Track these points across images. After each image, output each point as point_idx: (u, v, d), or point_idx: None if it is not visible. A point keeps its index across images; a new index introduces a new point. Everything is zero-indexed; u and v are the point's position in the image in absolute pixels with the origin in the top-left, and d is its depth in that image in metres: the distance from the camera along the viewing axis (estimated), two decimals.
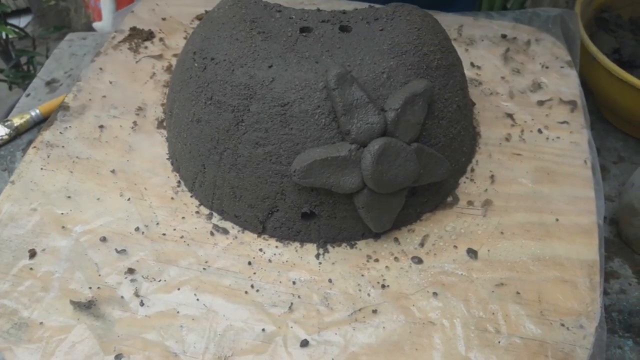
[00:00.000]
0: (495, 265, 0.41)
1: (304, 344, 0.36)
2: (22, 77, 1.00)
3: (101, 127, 0.49)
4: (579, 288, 0.39)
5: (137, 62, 0.54)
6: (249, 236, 0.42)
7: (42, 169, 0.45)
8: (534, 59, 0.56)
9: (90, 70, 0.53)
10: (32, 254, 0.40)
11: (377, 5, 0.44)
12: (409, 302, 0.38)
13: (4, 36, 0.97)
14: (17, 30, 0.95)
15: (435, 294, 0.39)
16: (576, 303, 0.39)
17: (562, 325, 0.38)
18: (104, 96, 0.51)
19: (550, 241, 0.42)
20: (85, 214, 0.42)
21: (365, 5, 0.46)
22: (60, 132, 0.48)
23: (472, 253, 0.41)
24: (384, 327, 0.37)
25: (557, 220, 0.43)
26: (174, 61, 0.54)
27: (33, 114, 0.54)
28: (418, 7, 0.42)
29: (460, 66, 0.44)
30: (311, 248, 0.41)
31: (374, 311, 0.38)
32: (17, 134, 0.54)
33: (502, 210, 0.44)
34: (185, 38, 0.57)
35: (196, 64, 0.41)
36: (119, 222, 0.42)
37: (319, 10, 0.43)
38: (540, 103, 0.52)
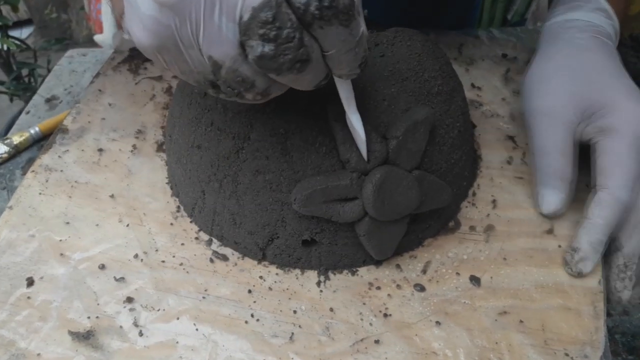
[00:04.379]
0: (498, 292, 0.40)
1: None
2: (23, 90, 1.00)
3: (100, 150, 0.48)
4: (582, 316, 0.39)
5: (136, 83, 0.54)
6: (249, 263, 0.42)
7: (40, 193, 0.45)
8: None
9: (89, 92, 0.53)
10: (30, 282, 0.39)
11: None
12: (412, 331, 0.38)
13: (5, 49, 0.97)
14: (18, 42, 0.95)
15: (438, 323, 0.38)
16: (580, 332, 0.38)
17: (567, 354, 0.37)
18: (103, 118, 0.51)
19: (553, 268, 0.41)
20: (84, 240, 0.42)
21: None
22: (59, 156, 0.48)
23: (474, 280, 0.41)
24: (386, 358, 0.36)
25: (559, 246, 0.43)
26: (173, 83, 0.54)
27: (32, 132, 0.54)
28: (419, 31, 0.42)
29: (461, 90, 0.44)
30: (312, 275, 0.41)
31: (376, 341, 0.37)
32: (16, 152, 0.54)
33: (505, 236, 0.43)
34: None
35: (196, 90, 0.41)
36: (117, 249, 0.42)
37: None
38: None
